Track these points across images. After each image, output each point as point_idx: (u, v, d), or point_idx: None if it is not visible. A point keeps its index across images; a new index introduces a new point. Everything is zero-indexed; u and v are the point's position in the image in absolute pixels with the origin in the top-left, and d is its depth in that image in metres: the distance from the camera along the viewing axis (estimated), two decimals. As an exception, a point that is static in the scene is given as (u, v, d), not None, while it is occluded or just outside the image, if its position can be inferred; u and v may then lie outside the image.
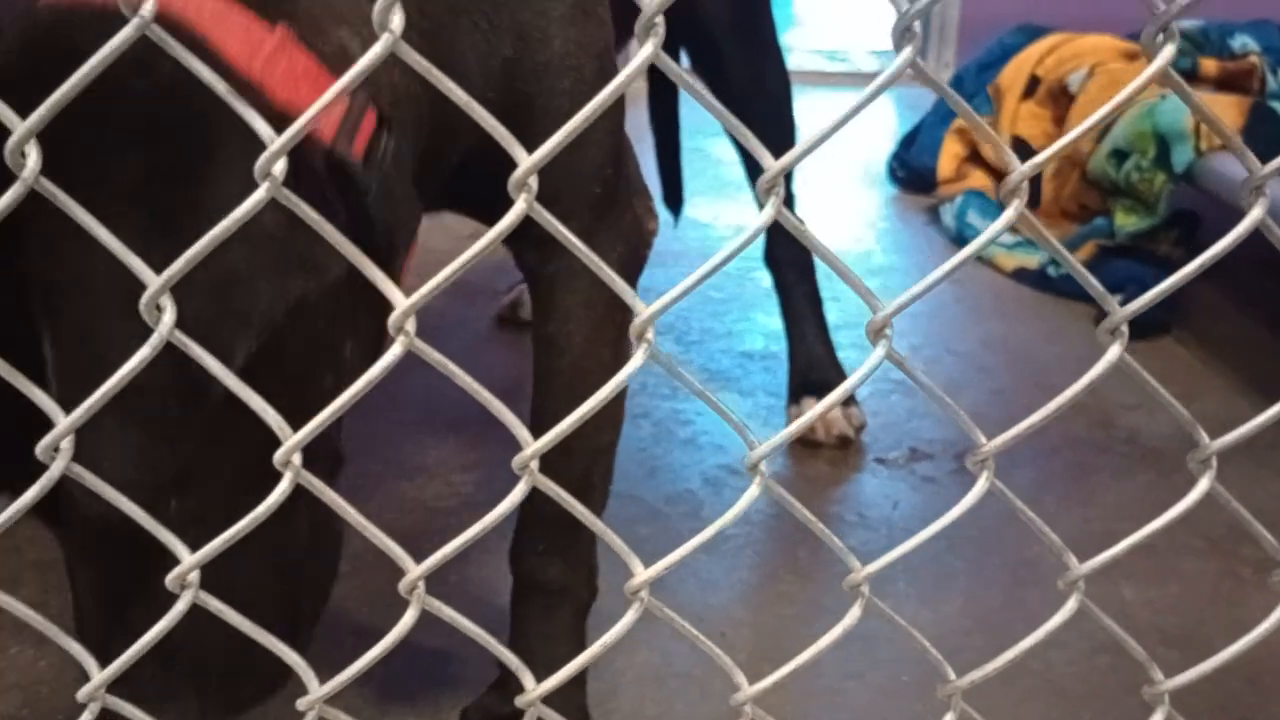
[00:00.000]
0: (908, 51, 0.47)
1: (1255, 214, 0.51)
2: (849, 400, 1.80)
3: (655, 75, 1.76)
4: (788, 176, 1.77)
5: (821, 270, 2.30)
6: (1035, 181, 2.53)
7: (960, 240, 2.51)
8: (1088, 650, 1.33)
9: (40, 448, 0.53)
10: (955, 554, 1.53)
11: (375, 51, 0.46)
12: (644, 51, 0.46)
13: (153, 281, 0.51)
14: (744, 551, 1.53)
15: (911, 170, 2.91)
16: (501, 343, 2.10)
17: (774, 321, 1.96)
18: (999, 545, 1.54)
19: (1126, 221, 2.31)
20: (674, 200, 1.94)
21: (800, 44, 4.32)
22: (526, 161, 0.48)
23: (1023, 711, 1.25)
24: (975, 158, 2.78)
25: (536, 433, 0.53)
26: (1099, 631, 1.44)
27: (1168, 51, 0.48)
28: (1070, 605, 0.59)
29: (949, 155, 2.79)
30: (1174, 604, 1.43)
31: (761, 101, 1.68)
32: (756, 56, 1.71)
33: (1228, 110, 2.20)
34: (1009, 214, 0.50)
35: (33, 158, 0.49)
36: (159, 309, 0.52)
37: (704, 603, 1.41)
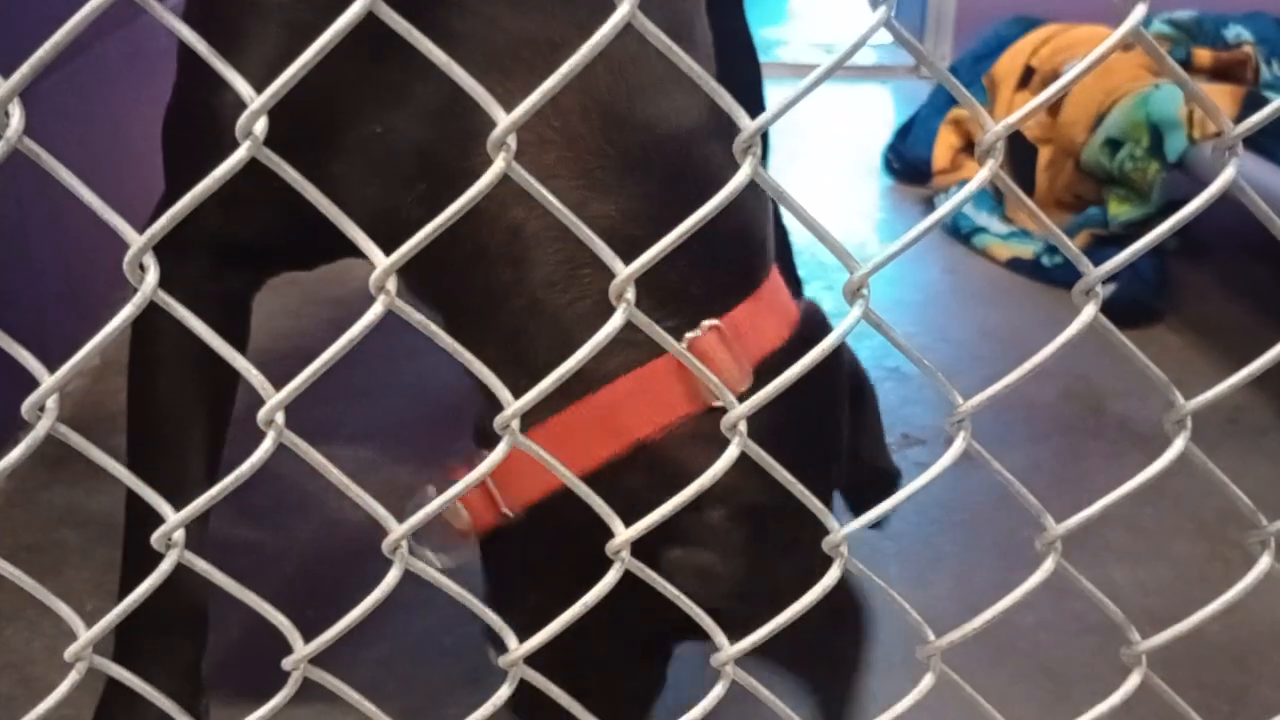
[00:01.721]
0: (882, 10, 0.48)
1: (1228, 174, 0.51)
2: None
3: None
4: (763, 162, 1.79)
5: (817, 261, 2.30)
6: (1029, 172, 2.56)
7: (955, 231, 2.52)
8: (1076, 631, 1.34)
9: (25, 406, 0.54)
10: (946, 538, 1.54)
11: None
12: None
13: (135, 241, 0.52)
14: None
15: (906, 162, 2.91)
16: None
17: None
18: (989, 529, 1.55)
19: (1120, 211, 2.32)
20: None
21: (795, 37, 4.33)
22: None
23: (1011, 692, 1.26)
24: (970, 148, 2.79)
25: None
26: (1088, 613, 1.44)
27: (1139, 11, 0.49)
28: (1048, 564, 0.59)
29: (944, 146, 2.79)
30: (1163, 586, 1.44)
31: (734, 84, 1.68)
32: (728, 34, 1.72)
33: (1221, 100, 2.21)
34: (983, 173, 0.51)
35: (16, 117, 0.50)
36: (142, 269, 0.52)
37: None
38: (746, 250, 0.84)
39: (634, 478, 0.77)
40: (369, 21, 0.48)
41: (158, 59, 0.96)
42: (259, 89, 0.49)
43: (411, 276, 0.87)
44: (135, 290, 0.53)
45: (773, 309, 0.83)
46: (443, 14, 0.78)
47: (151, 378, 0.97)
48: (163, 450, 0.98)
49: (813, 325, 0.85)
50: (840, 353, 0.61)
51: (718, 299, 0.80)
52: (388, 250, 0.52)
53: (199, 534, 1.01)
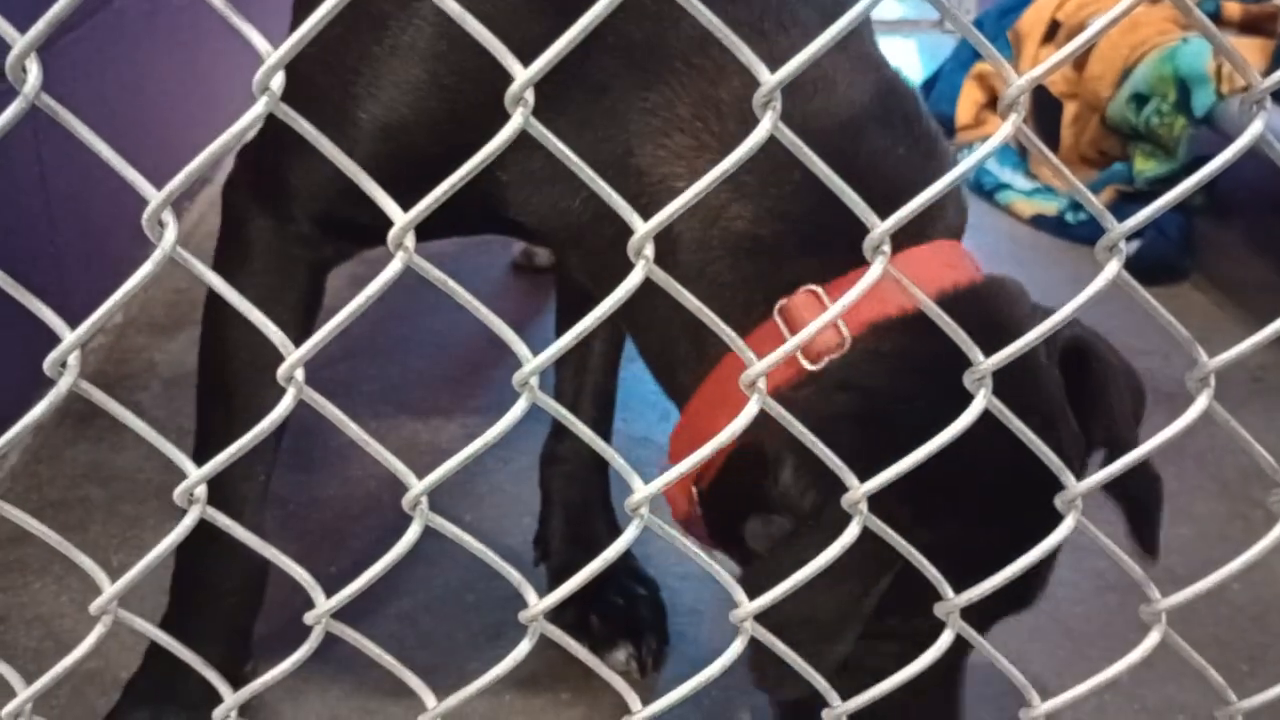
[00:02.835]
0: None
1: (1255, 128, 0.50)
2: None
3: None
4: None
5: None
6: (1054, 127, 2.53)
7: (978, 187, 2.50)
8: (1095, 589, 1.34)
9: (48, 363, 0.54)
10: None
11: None
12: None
13: (153, 197, 0.52)
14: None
15: (930, 117, 2.88)
16: (517, 289, 2.11)
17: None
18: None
19: (1146, 167, 2.29)
20: None
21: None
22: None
23: (1030, 649, 1.26)
24: (994, 104, 2.75)
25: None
26: (1107, 570, 1.44)
27: (1168, -39, 0.48)
28: (1068, 522, 0.59)
29: (968, 101, 2.76)
30: (1184, 545, 1.43)
31: None
32: None
33: (1250, 53, 2.17)
34: (1006, 128, 0.50)
35: (34, 73, 0.50)
36: (160, 224, 0.52)
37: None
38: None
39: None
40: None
41: (178, 14, 0.95)
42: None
43: (571, 260, 0.91)
44: (155, 247, 0.53)
45: (910, 276, 0.80)
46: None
47: (222, 335, 0.98)
48: (235, 407, 0.98)
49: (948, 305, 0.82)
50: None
51: (829, 270, 0.79)
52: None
53: (260, 491, 1.02)
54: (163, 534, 1.24)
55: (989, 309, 0.80)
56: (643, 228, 0.52)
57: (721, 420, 0.72)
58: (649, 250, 0.52)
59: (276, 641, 1.26)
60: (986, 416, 0.57)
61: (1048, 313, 0.86)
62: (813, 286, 0.78)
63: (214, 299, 1.00)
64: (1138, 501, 0.86)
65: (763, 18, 0.82)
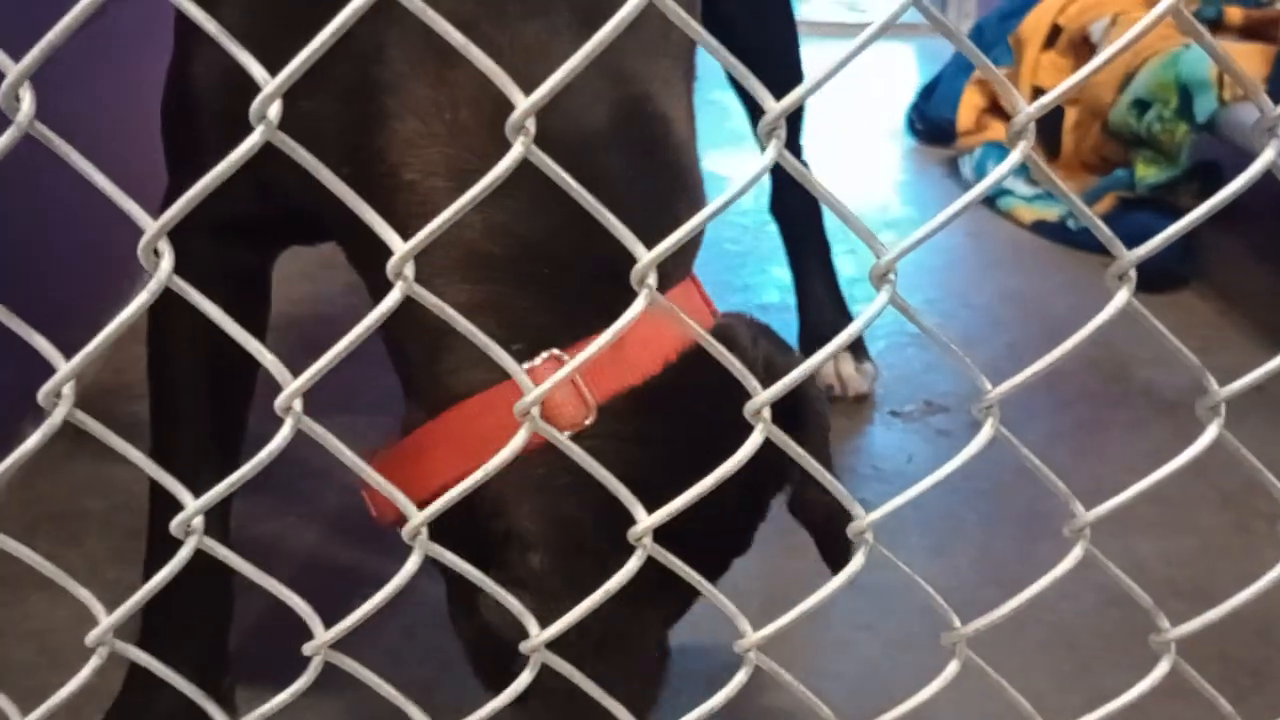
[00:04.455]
0: (910, -13, 0.46)
1: (1268, 155, 0.50)
2: (862, 356, 1.79)
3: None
4: (796, 127, 1.76)
5: (838, 222, 2.27)
6: (1055, 133, 2.53)
7: (978, 193, 2.49)
8: (1099, 603, 1.33)
9: (42, 394, 0.54)
10: (968, 507, 1.53)
11: None
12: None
13: (149, 227, 0.51)
14: (756, 504, 1.53)
15: (930, 122, 2.88)
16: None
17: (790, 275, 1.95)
18: (1011, 499, 1.54)
19: (1147, 173, 2.28)
20: None
21: (819, -6, 4.26)
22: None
23: (1033, 663, 1.25)
24: (995, 109, 2.75)
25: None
26: (1110, 584, 1.44)
27: (1176, -9, 0.47)
28: (1076, 553, 0.58)
29: (968, 107, 2.75)
30: (1187, 557, 1.43)
31: (767, 47, 1.65)
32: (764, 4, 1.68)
33: (1251, 59, 2.16)
34: (1014, 156, 0.49)
35: (26, 101, 0.49)
36: (156, 254, 0.52)
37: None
38: (613, 281, 0.70)
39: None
40: None
41: (168, 23, 0.95)
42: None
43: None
44: (148, 274, 0.52)
45: (648, 340, 0.78)
46: None
47: (167, 358, 0.97)
48: (182, 431, 0.98)
49: (692, 363, 0.78)
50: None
51: (570, 328, 0.77)
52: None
53: (220, 513, 1.01)
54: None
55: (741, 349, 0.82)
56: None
57: (443, 458, 0.75)
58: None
59: (274, 666, 1.26)
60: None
61: (789, 349, 0.88)
62: (557, 352, 0.76)
63: (154, 325, 1.00)
64: (822, 526, 0.88)
65: None
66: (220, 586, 1.05)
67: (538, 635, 0.60)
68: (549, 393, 0.55)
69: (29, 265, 1.59)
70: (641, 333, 0.76)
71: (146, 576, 1.09)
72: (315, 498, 1.50)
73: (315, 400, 0.55)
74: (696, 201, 0.85)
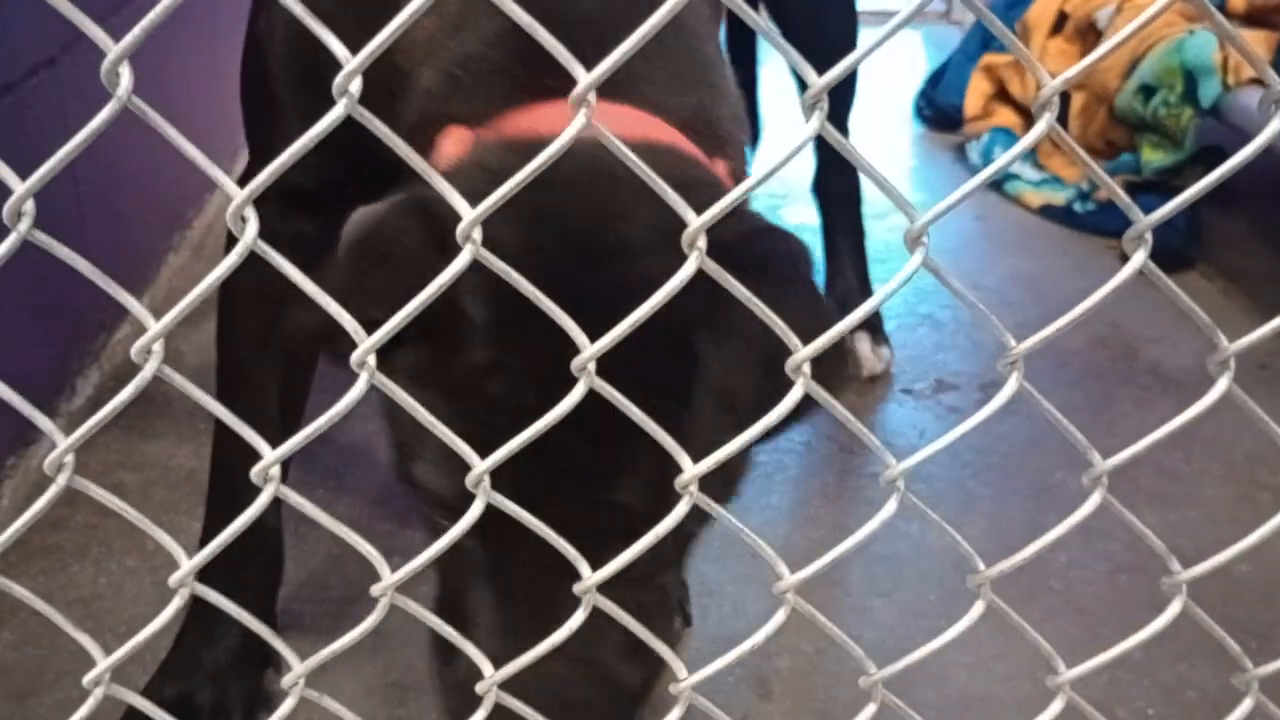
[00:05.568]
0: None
1: (1273, 126, 0.53)
2: (880, 339, 1.84)
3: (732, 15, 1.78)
4: (841, 118, 1.79)
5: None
6: (1062, 118, 2.55)
7: (986, 177, 2.53)
8: (1108, 570, 1.37)
9: (135, 350, 0.58)
10: (979, 480, 1.57)
11: None
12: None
13: (236, 195, 0.55)
14: (774, 477, 1.57)
15: (938, 109, 2.91)
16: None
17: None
18: (1021, 472, 1.58)
19: (1153, 157, 2.32)
20: (751, 132, 1.97)
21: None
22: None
23: (1044, 629, 1.27)
24: (1002, 95, 2.78)
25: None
26: (1118, 552, 1.47)
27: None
28: (1095, 498, 0.62)
29: (976, 93, 2.78)
30: (1192, 528, 1.47)
31: (826, 38, 1.67)
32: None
33: (1255, 46, 2.19)
34: (1040, 126, 0.53)
35: (125, 77, 0.53)
36: (243, 219, 0.56)
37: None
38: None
39: None
40: None
41: (195, 5, 0.99)
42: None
43: None
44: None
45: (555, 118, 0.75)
46: None
47: (236, 322, 1.02)
48: (250, 390, 1.02)
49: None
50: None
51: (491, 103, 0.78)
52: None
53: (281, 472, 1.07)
54: (195, 519, 1.27)
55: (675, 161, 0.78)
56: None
57: None
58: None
59: (306, 623, 1.30)
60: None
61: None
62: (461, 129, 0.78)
63: (224, 289, 1.04)
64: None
65: None
66: (269, 542, 1.10)
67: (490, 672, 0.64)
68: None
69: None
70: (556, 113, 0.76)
71: (206, 534, 1.13)
72: (346, 472, 1.54)
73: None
74: (694, 51, 0.85)
